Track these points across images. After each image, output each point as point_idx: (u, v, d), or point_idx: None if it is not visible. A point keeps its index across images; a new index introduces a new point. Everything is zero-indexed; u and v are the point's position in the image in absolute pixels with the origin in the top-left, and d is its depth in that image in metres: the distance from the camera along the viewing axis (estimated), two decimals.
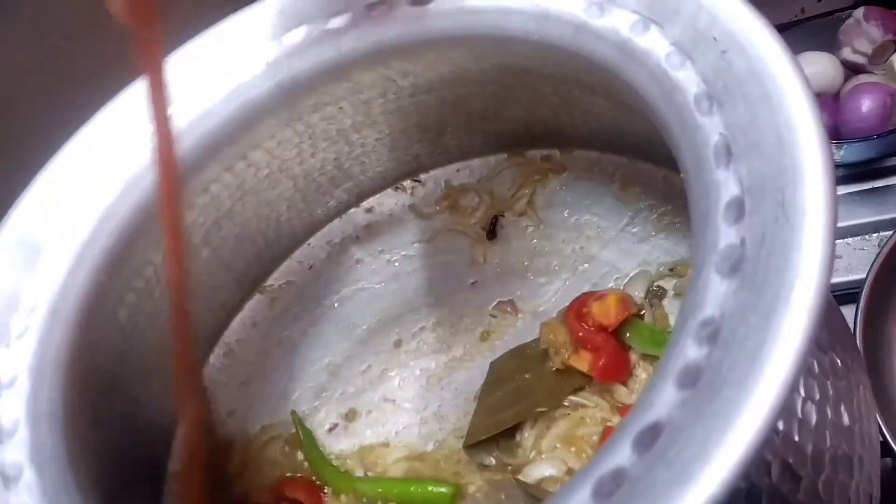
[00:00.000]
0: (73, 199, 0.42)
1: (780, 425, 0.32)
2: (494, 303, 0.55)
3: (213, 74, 0.44)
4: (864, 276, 0.64)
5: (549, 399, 0.48)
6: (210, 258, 0.49)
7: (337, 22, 0.43)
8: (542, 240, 0.54)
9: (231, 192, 0.48)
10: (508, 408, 0.49)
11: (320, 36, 0.43)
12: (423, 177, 0.56)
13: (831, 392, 0.35)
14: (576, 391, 0.48)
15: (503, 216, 0.55)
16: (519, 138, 0.54)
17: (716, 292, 0.28)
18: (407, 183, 0.56)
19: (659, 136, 0.35)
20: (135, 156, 0.43)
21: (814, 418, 0.34)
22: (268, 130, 0.46)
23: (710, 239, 0.29)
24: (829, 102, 0.78)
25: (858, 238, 0.73)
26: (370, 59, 0.44)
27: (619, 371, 0.47)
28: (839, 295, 0.63)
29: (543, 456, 0.47)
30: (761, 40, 0.32)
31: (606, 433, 0.46)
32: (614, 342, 0.47)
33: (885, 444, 0.56)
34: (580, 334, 0.48)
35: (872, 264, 0.64)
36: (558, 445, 0.47)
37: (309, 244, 0.56)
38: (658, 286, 0.50)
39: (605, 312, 0.47)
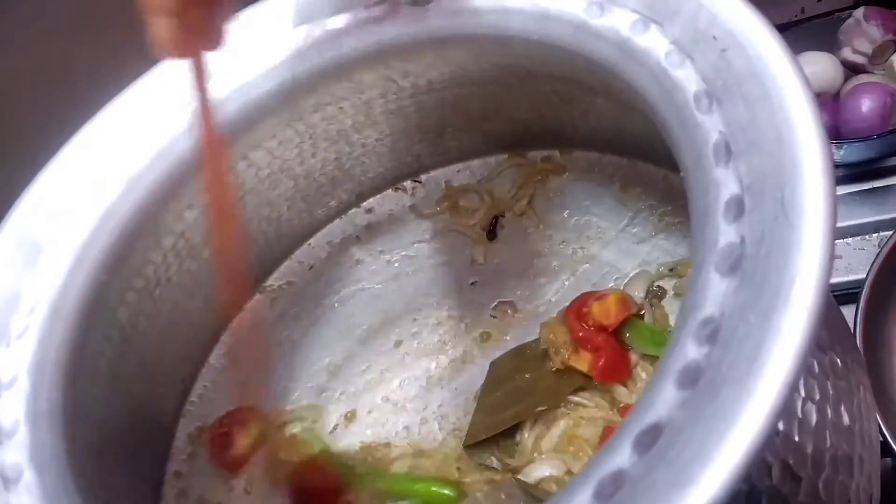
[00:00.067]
0: (73, 199, 0.42)
1: (781, 426, 0.32)
2: (494, 303, 0.55)
3: (213, 74, 0.44)
4: (864, 276, 0.64)
5: (549, 399, 0.48)
6: (210, 259, 0.49)
7: (337, 22, 0.43)
8: (542, 240, 0.54)
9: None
10: (508, 408, 0.49)
11: (321, 36, 0.43)
12: (423, 177, 0.56)
13: (831, 392, 0.35)
14: (576, 391, 0.48)
15: (503, 217, 0.55)
16: (519, 139, 0.54)
17: (715, 291, 0.28)
18: (407, 183, 0.56)
19: (659, 136, 0.35)
20: (135, 155, 0.43)
21: (814, 418, 0.34)
22: (269, 130, 0.46)
23: (709, 237, 0.29)
24: (829, 102, 0.78)
25: (858, 238, 0.73)
26: (371, 59, 0.44)
27: (619, 371, 0.47)
28: (839, 295, 0.63)
29: (543, 456, 0.47)
30: (761, 40, 0.32)
31: (606, 433, 0.46)
32: (614, 342, 0.47)
33: (885, 444, 0.56)
34: (580, 334, 0.48)
35: (872, 264, 0.64)
36: (558, 446, 0.47)
37: (309, 244, 0.56)
38: (658, 286, 0.50)
39: (605, 312, 0.47)
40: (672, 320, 0.48)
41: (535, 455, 0.47)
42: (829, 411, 0.35)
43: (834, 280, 0.39)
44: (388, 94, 0.48)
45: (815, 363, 0.35)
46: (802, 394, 0.33)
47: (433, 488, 0.48)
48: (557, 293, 0.54)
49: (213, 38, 0.33)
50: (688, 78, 0.33)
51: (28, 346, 0.38)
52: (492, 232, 0.55)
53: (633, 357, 0.48)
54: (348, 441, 0.53)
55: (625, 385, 0.47)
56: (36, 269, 0.40)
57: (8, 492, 0.35)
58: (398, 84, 0.47)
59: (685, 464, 0.25)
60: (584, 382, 0.48)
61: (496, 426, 0.49)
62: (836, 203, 0.28)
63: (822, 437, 0.34)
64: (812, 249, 0.27)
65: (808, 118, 0.30)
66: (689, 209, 0.31)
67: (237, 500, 0.50)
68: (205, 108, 0.35)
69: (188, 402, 0.52)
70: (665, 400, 0.26)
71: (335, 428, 0.53)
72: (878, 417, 0.49)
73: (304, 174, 0.51)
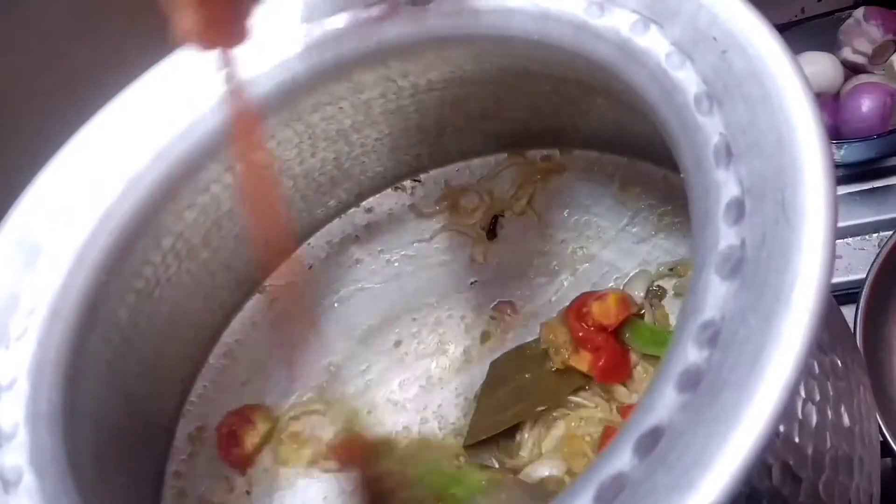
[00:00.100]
0: (73, 199, 0.42)
1: (781, 427, 0.32)
2: (494, 303, 0.55)
3: (213, 74, 0.44)
4: (864, 276, 0.64)
5: (549, 399, 0.48)
6: (210, 259, 0.49)
7: (337, 22, 0.43)
8: (541, 240, 0.54)
9: (231, 192, 0.48)
10: (508, 408, 0.49)
11: (320, 36, 0.43)
12: (422, 177, 0.56)
13: (832, 393, 0.35)
14: (576, 391, 0.48)
15: (503, 216, 0.55)
16: (519, 138, 0.54)
17: (716, 294, 0.28)
18: (407, 183, 0.56)
19: (659, 135, 0.35)
20: (135, 155, 0.43)
21: (814, 419, 0.34)
22: (268, 130, 0.46)
23: (710, 240, 0.29)
24: (829, 102, 0.78)
25: (858, 238, 0.73)
26: (370, 59, 0.44)
27: (619, 371, 0.47)
28: (839, 295, 0.63)
29: (543, 456, 0.47)
30: (761, 40, 0.32)
31: (607, 433, 0.46)
32: (614, 342, 0.47)
33: (885, 444, 0.56)
34: (580, 334, 0.48)
35: (872, 264, 0.64)
36: (558, 446, 0.47)
37: (309, 244, 0.56)
38: (658, 286, 0.50)
39: (605, 312, 0.47)
40: (672, 320, 0.48)
41: (535, 455, 0.47)
42: (829, 412, 0.35)
43: (834, 280, 0.39)
44: (387, 93, 0.48)
45: (816, 364, 0.35)
46: (803, 395, 0.33)
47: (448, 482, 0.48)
48: (557, 293, 0.54)
49: (236, 31, 0.33)
50: (688, 79, 0.33)
51: (27, 347, 0.38)
52: (491, 231, 0.55)
53: (634, 357, 0.48)
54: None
55: (625, 385, 0.47)
56: (35, 269, 0.40)
57: (8, 494, 0.35)
58: (398, 84, 0.47)
59: (686, 467, 0.24)
60: (584, 382, 0.48)
61: (496, 426, 0.49)
62: (836, 206, 0.28)
63: (822, 438, 0.34)
64: (813, 252, 0.26)
65: (808, 119, 0.29)
66: (690, 211, 0.31)
67: (238, 501, 0.50)
68: (236, 89, 0.36)
69: (188, 402, 0.52)
70: (666, 403, 0.26)
71: (335, 425, 0.53)
72: (878, 418, 0.49)
73: (304, 174, 0.51)
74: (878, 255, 0.64)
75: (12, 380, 0.38)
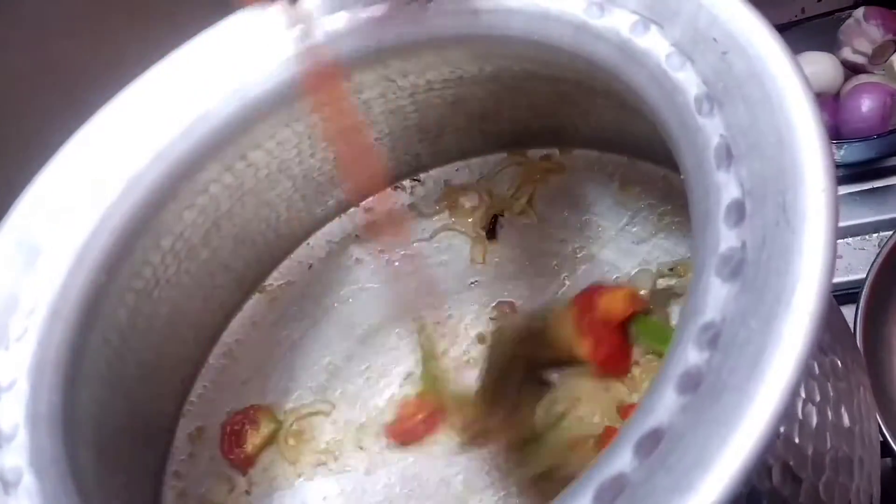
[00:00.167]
0: (73, 200, 0.42)
1: (781, 428, 0.32)
2: (494, 303, 0.55)
3: (213, 75, 0.44)
4: (864, 276, 0.64)
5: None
6: (209, 259, 0.49)
7: (337, 22, 0.43)
8: (541, 240, 0.54)
9: (231, 192, 0.48)
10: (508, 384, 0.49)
11: (321, 36, 0.43)
12: (422, 176, 0.56)
13: (832, 393, 0.35)
14: (576, 390, 0.48)
15: (503, 216, 0.55)
16: (519, 138, 0.54)
17: (716, 296, 0.28)
18: (407, 182, 0.56)
19: (659, 135, 0.35)
20: (135, 155, 0.43)
21: (814, 420, 0.34)
22: (267, 131, 0.46)
23: (710, 242, 0.29)
24: (829, 102, 0.78)
25: (858, 238, 0.73)
26: (370, 59, 0.44)
27: (619, 363, 0.47)
28: (839, 295, 0.63)
29: (544, 454, 0.47)
30: (761, 41, 0.32)
31: (607, 434, 0.46)
32: (618, 335, 0.47)
33: (885, 445, 0.56)
34: (584, 323, 0.47)
35: (872, 264, 0.64)
36: (559, 444, 0.47)
37: (308, 244, 0.56)
38: (667, 285, 0.50)
39: (612, 305, 0.47)
40: (672, 319, 0.48)
41: (536, 451, 0.47)
42: (829, 413, 0.35)
43: (834, 280, 0.39)
44: (387, 93, 0.48)
45: (816, 365, 0.35)
46: (803, 395, 0.33)
47: None
48: (557, 293, 0.53)
49: None
50: (688, 80, 0.33)
51: (27, 348, 0.38)
52: (491, 231, 0.55)
53: (636, 353, 0.47)
54: (349, 439, 0.53)
55: (624, 383, 0.47)
56: (35, 269, 0.40)
57: (8, 496, 0.35)
58: (397, 84, 0.47)
59: (686, 469, 0.25)
60: (583, 370, 0.48)
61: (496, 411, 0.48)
62: (837, 208, 0.28)
63: (822, 439, 0.34)
64: (814, 255, 0.27)
65: (808, 120, 0.29)
66: (690, 213, 0.31)
67: (238, 501, 0.50)
68: (311, 45, 0.38)
69: (188, 403, 0.52)
70: (666, 405, 0.26)
71: (335, 426, 0.53)
72: (878, 418, 0.49)
73: (303, 174, 0.51)
74: (878, 255, 0.64)
75: (12, 381, 0.37)
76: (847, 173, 0.75)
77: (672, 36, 0.35)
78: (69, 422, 0.37)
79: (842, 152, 0.73)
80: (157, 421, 0.49)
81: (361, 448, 0.51)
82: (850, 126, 0.75)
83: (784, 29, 0.82)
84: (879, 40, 0.78)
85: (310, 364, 0.54)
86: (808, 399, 0.34)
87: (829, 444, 0.34)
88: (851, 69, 0.81)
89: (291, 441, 0.52)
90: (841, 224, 0.72)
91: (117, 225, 0.42)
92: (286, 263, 0.56)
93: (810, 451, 0.33)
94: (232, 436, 0.51)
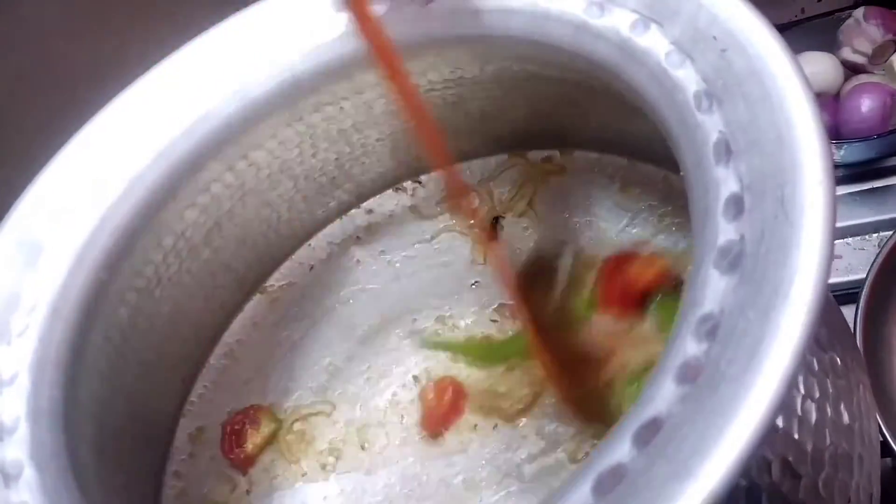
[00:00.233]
0: (74, 199, 0.42)
1: (780, 423, 0.32)
2: (495, 304, 0.55)
3: (214, 74, 0.44)
4: (864, 276, 0.64)
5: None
6: (211, 259, 0.49)
7: (337, 21, 0.43)
8: (542, 241, 0.54)
9: (232, 192, 0.48)
10: None
11: (321, 36, 0.44)
12: (423, 178, 0.56)
13: (831, 390, 0.35)
14: None
15: (504, 217, 0.55)
16: (519, 139, 0.54)
17: (715, 288, 0.28)
18: (407, 184, 0.56)
19: (659, 136, 0.35)
20: (135, 155, 0.43)
21: (814, 416, 0.34)
22: (269, 130, 0.46)
23: (709, 235, 0.29)
24: (829, 102, 0.78)
25: (858, 238, 0.73)
26: (371, 59, 0.44)
27: (623, 303, 0.47)
28: (839, 295, 0.63)
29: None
30: (761, 40, 0.32)
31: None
32: (635, 301, 0.46)
33: (885, 444, 0.56)
34: (608, 284, 0.47)
35: (872, 264, 0.64)
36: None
37: (309, 245, 0.56)
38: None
39: (642, 273, 0.46)
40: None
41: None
42: (828, 409, 0.35)
43: (834, 280, 0.39)
44: (387, 94, 0.48)
45: (815, 361, 0.35)
46: (802, 391, 0.33)
47: None
48: (557, 293, 0.54)
49: None
50: (688, 78, 0.33)
51: (29, 344, 0.38)
52: (492, 232, 0.55)
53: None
54: (348, 438, 0.53)
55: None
56: (36, 268, 0.40)
57: (8, 488, 0.35)
58: None
59: (684, 458, 0.25)
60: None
61: None
62: (835, 201, 0.28)
63: (821, 435, 0.34)
64: (811, 247, 0.27)
65: (808, 118, 0.30)
66: (689, 208, 0.32)
67: (238, 501, 0.50)
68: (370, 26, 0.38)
69: (188, 402, 0.52)
70: (665, 395, 0.26)
71: (335, 426, 0.53)
72: (877, 417, 0.49)
73: (305, 174, 0.51)
74: (878, 255, 0.64)
75: (13, 375, 0.38)
76: (847, 173, 0.75)
77: (672, 34, 0.35)
78: (70, 418, 0.37)
79: (842, 152, 0.73)
80: (158, 420, 0.49)
81: (362, 448, 0.51)
82: (850, 126, 0.75)
83: (784, 29, 0.83)
84: (879, 40, 0.79)
85: (310, 364, 0.54)
86: (808, 395, 0.34)
87: (828, 441, 0.34)
88: (851, 69, 0.81)
89: (292, 441, 0.52)
90: (841, 224, 0.72)
91: (118, 224, 0.42)
92: (287, 264, 0.56)
93: (809, 448, 0.33)
94: (232, 436, 0.51)
